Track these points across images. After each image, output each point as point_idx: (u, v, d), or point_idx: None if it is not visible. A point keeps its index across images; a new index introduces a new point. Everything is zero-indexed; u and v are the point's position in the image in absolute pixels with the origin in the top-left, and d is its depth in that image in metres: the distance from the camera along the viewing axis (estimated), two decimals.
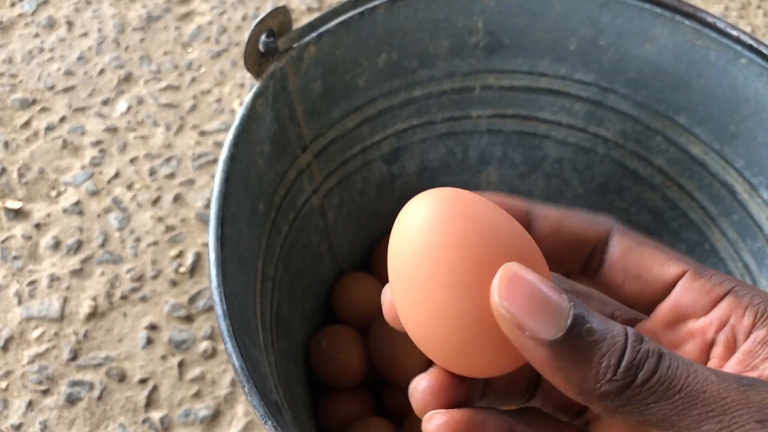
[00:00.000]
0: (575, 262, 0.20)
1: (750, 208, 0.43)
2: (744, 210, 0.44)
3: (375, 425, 0.46)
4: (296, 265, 0.45)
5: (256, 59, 0.38)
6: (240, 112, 0.37)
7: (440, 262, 0.16)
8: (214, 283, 0.32)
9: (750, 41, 0.39)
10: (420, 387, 0.18)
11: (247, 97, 0.38)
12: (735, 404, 0.14)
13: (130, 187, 0.66)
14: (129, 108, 0.71)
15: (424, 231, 0.17)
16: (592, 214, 0.20)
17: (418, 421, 0.48)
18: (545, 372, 0.15)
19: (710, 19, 0.40)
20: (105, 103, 0.72)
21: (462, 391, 0.18)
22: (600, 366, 0.14)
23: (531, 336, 0.15)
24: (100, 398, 0.55)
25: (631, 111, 0.46)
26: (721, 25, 0.40)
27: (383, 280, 0.52)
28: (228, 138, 0.36)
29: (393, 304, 0.19)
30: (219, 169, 0.35)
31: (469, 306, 0.16)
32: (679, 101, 0.44)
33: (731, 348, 0.17)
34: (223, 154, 0.35)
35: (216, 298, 0.32)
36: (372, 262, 0.54)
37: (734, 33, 0.40)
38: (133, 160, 0.68)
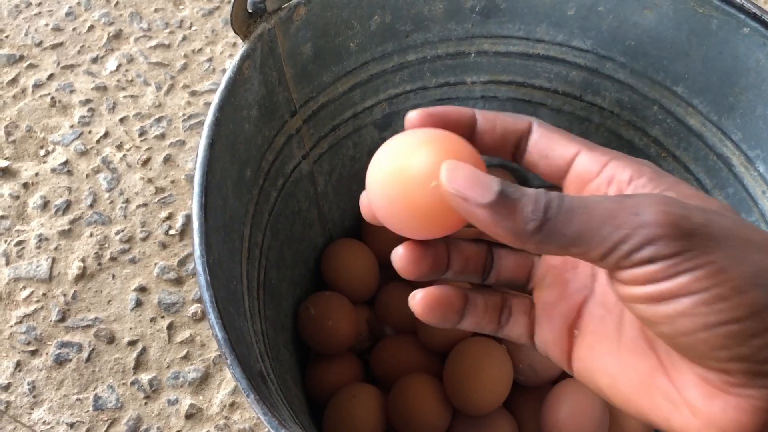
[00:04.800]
0: (507, 149, 0.26)
1: (746, 181, 0.43)
2: (739, 183, 0.43)
3: (362, 391, 0.46)
4: (285, 231, 0.45)
5: (243, 20, 0.36)
6: (226, 75, 0.36)
7: (405, 167, 0.23)
8: (197, 252, 0.31)
9: (754, 10, 0.38)
10: (398, 253, 0.25)
11: (234, 60, 0.36)
12: (618, 209, 0.20)
13: (119, 147, 0.66)
14: (119, 66, 0.70)
15: (397, 150, 0.24)
16: (519, 114, 0.26)
17: (405, 387, 0.48)
18: (487, 228, 0.21)
19: None
20: (94, 60, 0.70)
21: (428, 259, 0.25)
22: (523, 212, 0.20)
23: (473, 203, 0.21)
24: (88, 360, 0.55)
25: (629, 80, 0.45)
26: None
27: (373, 246, 0.51)
28: (213, 102, 0.35)
29: (369, 205, 0.25)
30: (203, 135, 0.34)
31: (425, 193, 0.23)
32: (678, 71, 0.43)
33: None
34: (208, 118, 0.34)
35: (199, 267, 0.31)
36: (362, 229, 0.53)
37: (737, 0, 0.38)
38: (122, 120, 0.67)
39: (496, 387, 0.43)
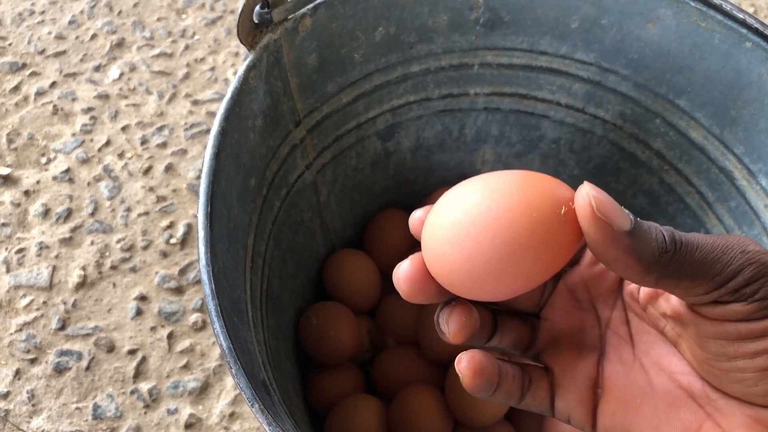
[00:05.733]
0: None
1: (748, 195, 0.43)
2: (742, 197, 0.43)
3: (363, 401, 0.46)
4: (288, 241, 0.45)
5: (249, 30, 0.37)
6: (232, 84, 0.36)
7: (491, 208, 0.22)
8: (203, 261, 0.31)
9: (756, 24, 0.38)
10: (401, 269, 0.24)
11: (240, 70, 0.37)
12: (724, 245, 0.21)
13: (121, 155, 0.66)
14: (121, 75, 0.70)
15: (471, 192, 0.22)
16: None
17: (406, 399, 0.47)
18: (618, 258, 0.21)
19: (716, 1, 0.39)
20: (97, 69, 0.70)
21: (432, 287, 0.24)
22: (657, 241, 0.21)
23: (618, 227, 0.20)
24: (88, 368, 0.55)
25: (631, 92, 0.45)
26: (726, 7, 0.39)
27: (375, 257, 0.51)
28: (219, 112, 0.35)
29: (421, 222, 0.25)
30: (209, 144, 0.34)
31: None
32: (681, 84, 0.43)
33: None
34: (214, 128, 0.35)
35: (204, 277, 0.31)
36: (364, 239, 0.53)
37: (740, 16, 0.39)
38: (124, 128, 0.67)
39: None
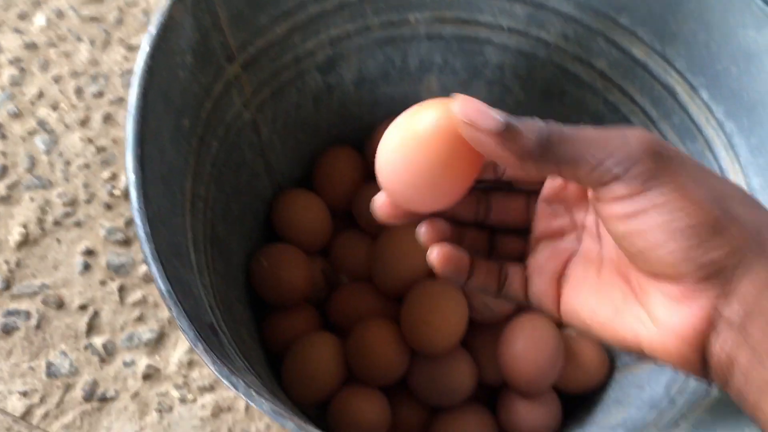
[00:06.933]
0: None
1: (690, 109, 0.43)
2: (684, 112, 0.43)
3: (320, 339, 0.46)
4: (230, 183, 0.43)
5: None
6: (155, 19, 0.34)
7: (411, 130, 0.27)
8: (135, 204, 0.30)
9: None
10: (375, 200, 0.30)
11: (163, 4, 0.35)
12: (608, 136, 0.24)
13: (55, 107, 0.63)
14: (48, 22, 0.66)
15: (398, 123, 0.28)
16: None
17: (362, 333, 0.47)
18: (495, 153, 0.25)
19: None
20: (21, 17, 0.67)
21: (398, 209, 0.29)
22: (527, 136, 0.24)
23: (484, 130, 0.24)
24: (38, 327, 0.54)
25: (573, 12, 0.45)
26: None
27: (324, 195, 0.51)
28: (143, 49, 0.33)
29: (386, 203, 0.29)
30: (134, 84, 0.32)
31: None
32: (621, 0, 0.43)
33: None
34: (139, 66, 0.33)
35: (138, 220, 0.30)
36: (312, 178, 0.52)
37: None
38: (57, 79, 0.64)
39: (453, 326, 0.43)
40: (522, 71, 0.49)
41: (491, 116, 0.24)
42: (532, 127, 0.24)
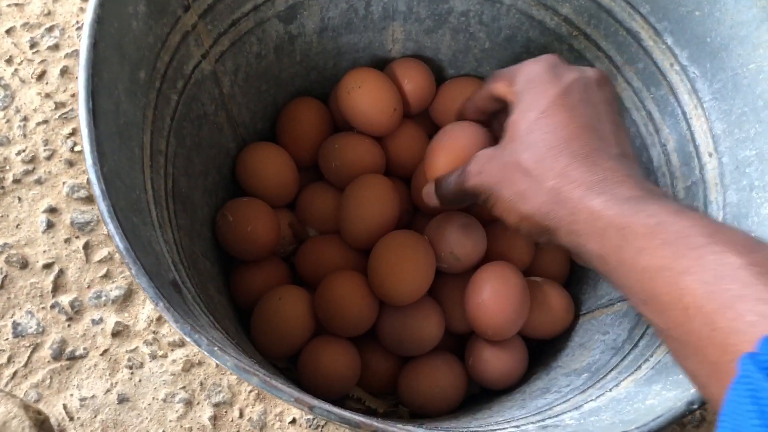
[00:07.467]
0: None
1: (654, 55, 0.43)
2: (649, 57, 0.43)
3: (288, 292, 0.46)
4: (191, 137, 0.43)
5: None
6: None
7: None
8: (89, 161, 0.29)
9: None
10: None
11: None
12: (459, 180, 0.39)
13: (9, 61, 0.61)
14: None
15: None
16: None
17: (330, 285, 0.48)
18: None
19: None
20: None
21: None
22: (444, 197, 0.41)
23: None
24: (2, 287, 0.53)
25: None
26: None
27: (289, 148, 0.50)
28: None
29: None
30: (84, 34, 0.31)
31: None
32: None
33: None
34: (88, 16, 0.32)
35: (92, 176, 0.29)
36: (276, 131, 0.52)
37: None
38: (9, 32, 0.62)
39: (419, 276, 0.43)
40: (487, 18, 0.48)
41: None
42: (448, 190, 0.39)
